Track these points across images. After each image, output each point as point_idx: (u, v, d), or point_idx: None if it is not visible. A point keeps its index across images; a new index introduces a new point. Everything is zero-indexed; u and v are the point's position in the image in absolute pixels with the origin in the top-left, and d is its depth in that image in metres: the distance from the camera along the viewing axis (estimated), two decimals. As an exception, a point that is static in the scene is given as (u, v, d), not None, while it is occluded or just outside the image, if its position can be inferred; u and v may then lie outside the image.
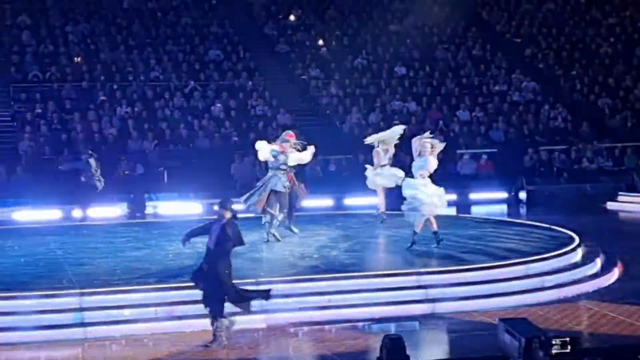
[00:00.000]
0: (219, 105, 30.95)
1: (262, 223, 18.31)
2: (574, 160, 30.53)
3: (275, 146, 18.34)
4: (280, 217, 18.16)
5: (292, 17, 36.90)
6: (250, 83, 32.61)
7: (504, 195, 27.97)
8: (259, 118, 30.70)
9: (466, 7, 38.71)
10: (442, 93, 33.72)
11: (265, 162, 18.85)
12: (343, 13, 37.71)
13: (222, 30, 35.39)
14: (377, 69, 34.52)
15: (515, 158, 30.09)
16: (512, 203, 27.39)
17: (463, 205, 26.77)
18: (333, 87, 33.05)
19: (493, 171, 29.49)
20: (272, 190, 17.92)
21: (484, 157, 29.67)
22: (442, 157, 29.01)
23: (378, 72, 34.38)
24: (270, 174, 18.19)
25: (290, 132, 18.91)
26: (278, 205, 18.01)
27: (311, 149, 18.64)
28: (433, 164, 17.13)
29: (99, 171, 24.67)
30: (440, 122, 31.82)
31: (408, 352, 10.43)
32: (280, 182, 17.99)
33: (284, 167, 18.10)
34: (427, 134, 17.75)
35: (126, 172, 26.96)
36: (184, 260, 16.06)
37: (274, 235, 18.07)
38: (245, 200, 18.20)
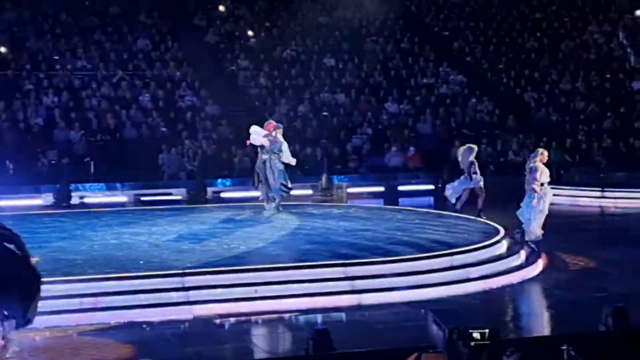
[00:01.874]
0: (147, 95, 30.70)
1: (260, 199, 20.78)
2: (500, 153, 30.89)
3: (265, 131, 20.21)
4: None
5: (221, 8, 36.72)
6: (178, 73, 32.40)
7: (430, 187, 28.19)
8: (187, 108, 30.52)
9: (395, 0, 38.89)
10: (370, 85, 33.86)
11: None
12: (272, 4, 37.67)
13: (151, 20, 35.10)
14: (306, 61, 34.54)
15: (442, 150, 30.36)
16: (439, 195, 27.57)
17: (390, 197, 26.95)
18: (262, 78, 32.99)
19: (420, 163, 29.72)
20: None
21: (412, 149, 29.89)
22: (370, 148, 29.59)
23: (307, 64, 34.41)
24: (265, 157, 20.01)
25: (272, 122, 20.75)
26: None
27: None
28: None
29: None
30: (369, 114, 31.98)
31: (335, 343, 10.45)
32: (279, 160, 20.05)
33: (277, 149, 20.02)
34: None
35: (52, 162, 26.63)
36: (110, 251, 15.94)
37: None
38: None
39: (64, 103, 29.60)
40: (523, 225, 17.70)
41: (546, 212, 17.54)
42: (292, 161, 20.58)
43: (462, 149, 22.66)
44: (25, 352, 11.48)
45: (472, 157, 21.98)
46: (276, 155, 20.10)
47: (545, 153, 17.72)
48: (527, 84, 35.49)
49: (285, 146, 20.33)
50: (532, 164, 17.51)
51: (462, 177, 22.10)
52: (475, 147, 22.63)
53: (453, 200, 22.12)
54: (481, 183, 21.88)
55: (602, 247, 18.37)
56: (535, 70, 36.26)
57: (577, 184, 28.24)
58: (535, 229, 17.56)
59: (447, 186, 22.56)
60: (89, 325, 12.70)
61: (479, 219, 20.66)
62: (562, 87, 35.64)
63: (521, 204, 17.76)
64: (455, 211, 21.59)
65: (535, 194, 17.33)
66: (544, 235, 17.54)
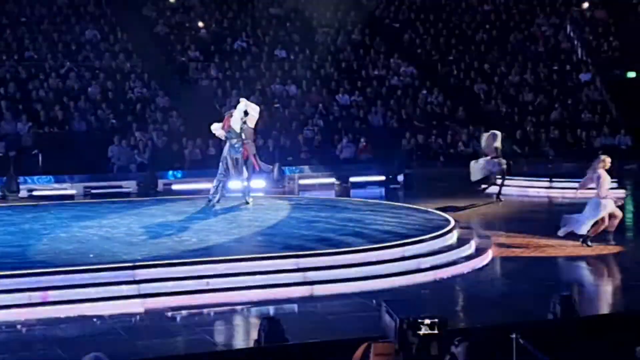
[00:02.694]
0: (95, 86, 30.43)
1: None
2: (450, 144, 31.09)
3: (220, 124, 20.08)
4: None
5: (171, -1, 36.49)
6: (128, 64, 32.14)
7: (382, 178, 28.28)
8: (137, 100, 30.31)
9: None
10: (321, 77, 33.87)
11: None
12: (223, -5, 37.48)
13: (100, 11, 34.77)
14: (257, 52, 34.45)
15: (393, 142, 30.49)
16: (390, 186, 27.69)
17: (342, 189, 27.00)
18: (212, 69, 32.86)
19: (371, 155, 29.81)
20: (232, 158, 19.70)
21: (363, 140, 29.97)
22: (322, 140, 29.61)
23: (258, 55, 34.32)
24: (227, 144, 19.80)
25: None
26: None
27: (242, 101, 20.13)
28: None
29: None
30: (320, 105, 31.99)
31: (287, 335, 10.46)
32: (233, 149, 19.66)
33: (234, 136, 19.60)
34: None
35: (0, 154, 26.37)
36: (59, 244, 15.79)
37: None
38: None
39: (11, 94, 29.25)
40: (574, 228, 17.67)
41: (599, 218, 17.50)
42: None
43: (485, 135, 24.32)
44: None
45: (497, 143, 23.05)
46: (234, 139, 19.75)
47: (608, 160, 17.53)
48: (477, 75, 35.75)
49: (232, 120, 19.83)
50: (595, 172, 17.45)
51: (484, 159, 23.97)
52: (499, 133, 24.04)
53: (478, 176, 24.30)
54: (504, 166, 23.84)
55: (550, 237, 18.54)
56: (485, 62, 36.52)
57: (525, 174, 28.50)
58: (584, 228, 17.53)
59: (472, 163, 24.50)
60: (38, 320, 12.59)
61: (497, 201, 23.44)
62: (511, 78, 35.95)
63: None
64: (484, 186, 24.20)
65: (602, 200, 17.30)
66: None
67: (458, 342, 7.56)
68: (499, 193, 24.19)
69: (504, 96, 34.87)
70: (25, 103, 28.87)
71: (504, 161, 23.91)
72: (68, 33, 33.06)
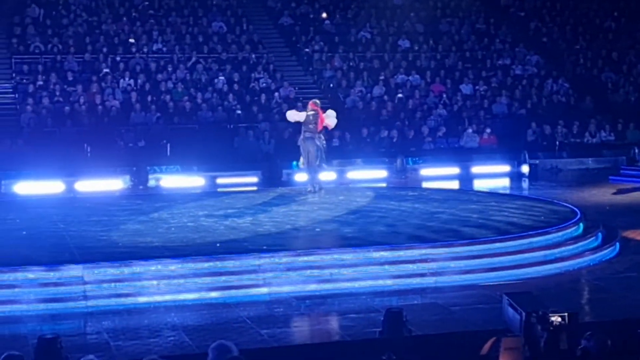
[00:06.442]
0: (222, 78, 30.88)
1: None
2: (576, 134, 30.50)
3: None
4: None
5: (295, -10, 36.69)
6: (253, 56, 32.50)
7: (506, 169, 27.96)
8: (262, 91, 30.64)
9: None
10: (445, 67, 33.63)
11: None
12: (347, -15, 37.51)
13: (226, 2, 35.25)
14: (381, 43, 34.40)
15: (518, 132, 30.09)
16: (515, 177, 27.36)
17: (466, 179, 26.78)
18: (337, 60, 32.97)
19: (496, 145, 29.50)
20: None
21: (487, 130, 29.68)
22: (446, 130, 29.40)
23: (382, 46, 34.27)
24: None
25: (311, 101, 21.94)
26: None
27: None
28: None
29: None
30: (444, 95, 31.79)
31: (410, 325, 10.46)
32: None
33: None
34: None
35: (129, 144, 26.99)
36: (187, 233, 16.11)
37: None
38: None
39: (140, 86, 29.92)
40: None
41: None
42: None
43: None
44: (104, 334, 11.70)
45: None
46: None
47: None
48: (604, 64, 34.94)
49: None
50: None
51: None
52: None
53: None
54: None
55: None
56: (613, 51, 35.65)
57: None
58: None
59: None
60: (166, 307, 12.88)
61: None
62: (640, 67, 35.05)
63: None
64: None
65: None
66: None
67: (589, 336, 7.42)
68: None
69: (633, 85, 34.01)
70: (154, 94, 29.47)
71: None
72: (195, 25, 33.62)
